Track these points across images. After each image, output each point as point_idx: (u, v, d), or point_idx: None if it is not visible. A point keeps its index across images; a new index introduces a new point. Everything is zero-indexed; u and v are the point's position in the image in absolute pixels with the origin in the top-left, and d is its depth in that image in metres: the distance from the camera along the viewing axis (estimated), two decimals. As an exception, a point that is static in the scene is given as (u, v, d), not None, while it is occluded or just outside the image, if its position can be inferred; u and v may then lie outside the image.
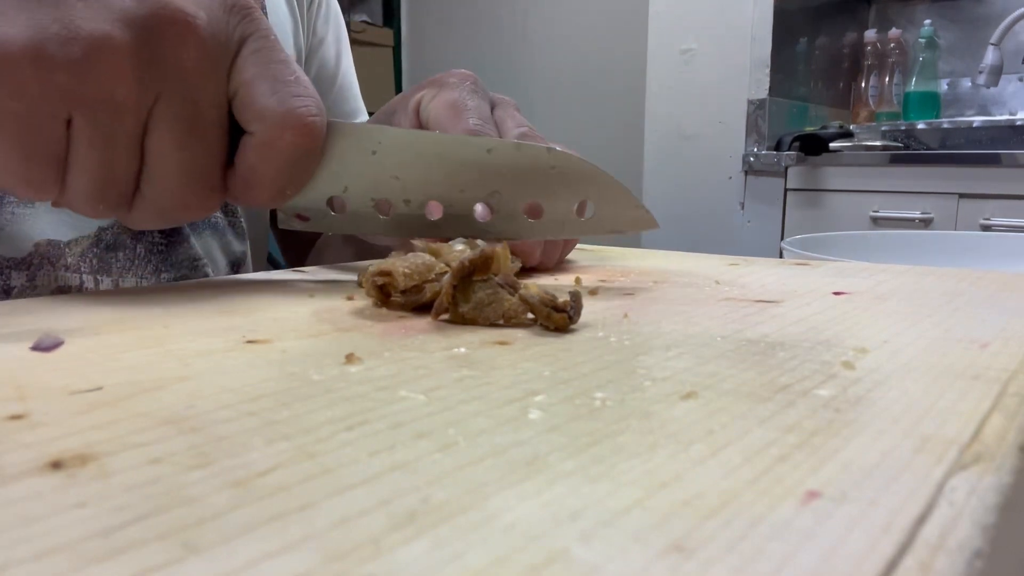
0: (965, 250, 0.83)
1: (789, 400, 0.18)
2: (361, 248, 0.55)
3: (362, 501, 0.13)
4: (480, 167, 0.35)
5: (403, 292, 0.29)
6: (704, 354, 0.23)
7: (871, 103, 2.21)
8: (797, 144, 1.80)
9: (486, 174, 0.35)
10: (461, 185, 0.35)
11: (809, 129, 1.90)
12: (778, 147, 1.86)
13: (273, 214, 0.62)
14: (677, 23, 2.03)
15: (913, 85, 2.11)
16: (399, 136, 0.35)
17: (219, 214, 0.52)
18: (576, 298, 0.26)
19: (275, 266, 0.72)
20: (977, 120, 1.93)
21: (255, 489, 0.13)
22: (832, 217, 1.77)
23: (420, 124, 0.43)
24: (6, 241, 0.42)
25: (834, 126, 1.89)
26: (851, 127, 1.90)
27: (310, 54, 0.63)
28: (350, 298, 0.32)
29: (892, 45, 2.17)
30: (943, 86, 2.14)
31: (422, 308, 0.29)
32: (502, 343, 0.24)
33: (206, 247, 0.50)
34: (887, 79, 2.19)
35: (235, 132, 0.32)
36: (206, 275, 0.49)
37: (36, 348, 0.23)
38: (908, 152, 1.83)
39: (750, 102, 1.95)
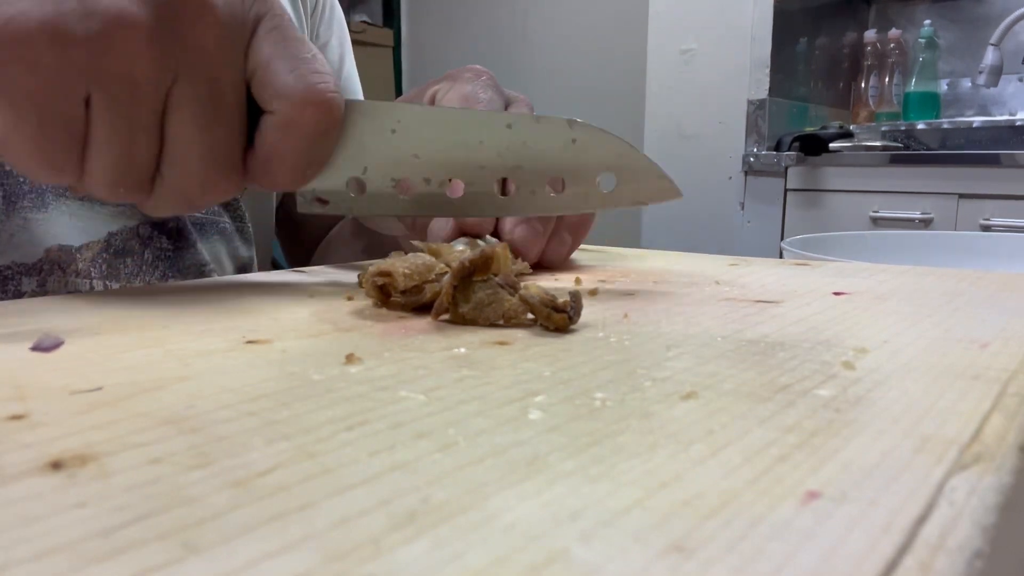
0: (965, 250, 0.83)
1: (789, 400, 0.18)
2: (371, 243, 0.55)
3: (362, 501, 0.13)
4: (500, 142, 0.34)
5: (403, 292, 0.28)
6: (704, 354, 0.23)
7: (871, 103, 2.21)
8: (797, 144, 1.80)
9: (507, 149, 0.35)
10: (482, 161, 0.35)
11: (809, 129, 1.90)
12: (778, 147, 1.86)
13: (279, 218, 0.62)
14: (677, 23, 2.03)
15: (913, 85, 2.11)
16: (418, 113, 0.35)
17: (227, 219, 0.52)
18: (576, 298, 0.26)
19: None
20: (977, 120, 1.93)
21: (255, 489, 0.13)
22: (832, 217, 1.77)
23: None
24: (18, 247, 0.42)
25: (834, 126, 1.89)
26: (851, 127, 1.90)
27: None
28: (350, 298, 0.32)
29: (892, 45, 2.17)
30: (943, 86, 2.14)
31: (422, 308, 0.29)
32: (502, 343, 0.24)
33: (213, 252, 0.50)
34: (887, 79, 2.19)
35: (253, 112, 0.32)
36: None
37: (36, 348, 0.23)
38: (908, 152, 1.83)
39: (750, 102, 1.95)
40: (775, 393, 0.19)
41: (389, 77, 2.87)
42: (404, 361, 0.22)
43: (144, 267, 0.46)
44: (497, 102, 0.41)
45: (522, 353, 0.23)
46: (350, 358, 0.22)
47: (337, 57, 0.65)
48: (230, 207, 0.52)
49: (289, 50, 0.31)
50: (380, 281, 0.28)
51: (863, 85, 2.22)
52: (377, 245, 0.54)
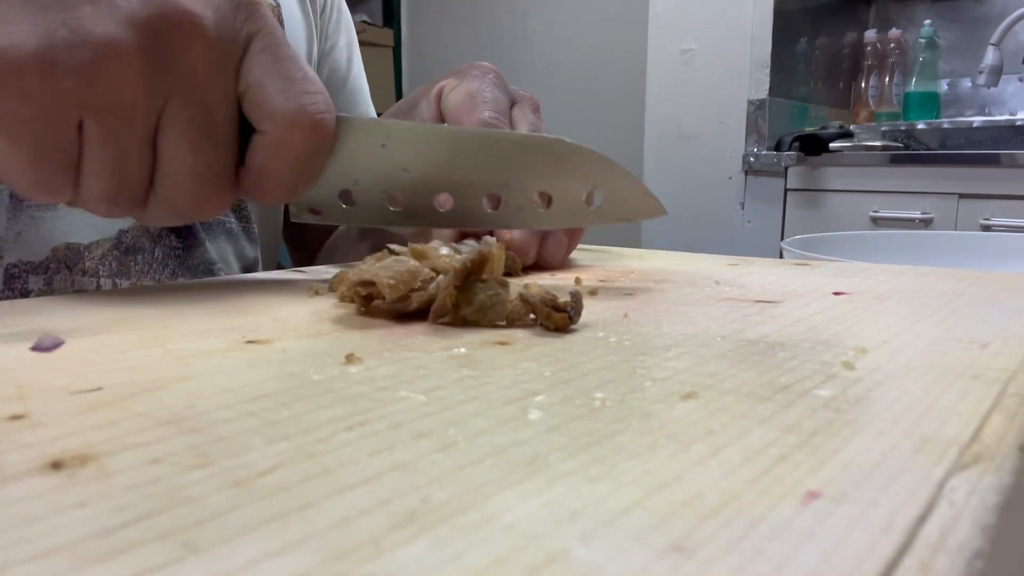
0: (965, 250, 0.83)
1: (789, 400, 0.18)
2: (377, 243, 0.55)
3: (362, 501, 0.13)
4: (489, 159, 0.35)
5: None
6: (704, 354, 0.23)
7: (871, 103, 2.21)
8: (797, 144, 1.80)
9: (495, 165, 0.35)
10: (470, 176, 0.35)
11: (809, 129, 1.90)
12: (778, 147, 1.86)
13: (286, 218, 0.63)
14: (677, 23, 2.03)
15: (913, 85, 2.11)
16: (408, 129, 0.35)
17: (233, 220, 0.52)
18: (576, 298, 0.26)
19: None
20: (977, 120, 1.93)
21: (255, 489, 0.13)
22: (832, 217, 1.77)
23: (440, 112, 0.43)
24: (24, 245, 0.43)
25: (834, 126, 1.89)
26: (851, 127, 1.90)
27: (322, 58, 0.64)
28: (316, 292, 0.32)
29: (892, 45, 2.17)
30: (943, 86, 2.14)
31: (407, 316, 0.28)
32: (502, 343, 0.24)
33: (220, 252, 0.50)
34: (887, 79, 2.18)
35: (244, 129, 0.32)
36: None
37: (36, 348, 0.23)
38: (908, 152, 1.83)
39: (750, 102, 1.95)
40: (775, 393, 0.19)
41: (389, 77, 2.87)
42: (404, 361, 0.22)
43: (154, 265, 0.46)
44: (503, 100, 0.41)
45: (522, 353, 0.23)
46: (350, 358, 0.22)
47: (345, 58, 0.66)
48: (236, 208, 0.52)
49: (280, 70, 0.31)
50: (364, 291, 0.28)
51: (863, 85, 2.22)
52: (383, 247, 0.54)
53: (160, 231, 0.47)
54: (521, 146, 0.35)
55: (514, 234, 0.39)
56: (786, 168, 1.84)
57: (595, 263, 0.43)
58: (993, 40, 1.77)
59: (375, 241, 0.56)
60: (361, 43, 0.70)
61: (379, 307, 0.28)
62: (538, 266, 0.41)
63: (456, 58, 2.71)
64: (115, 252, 0.45)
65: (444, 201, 0.36)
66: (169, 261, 0.47)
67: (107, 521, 0.12)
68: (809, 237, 0.84)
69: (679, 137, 2.06)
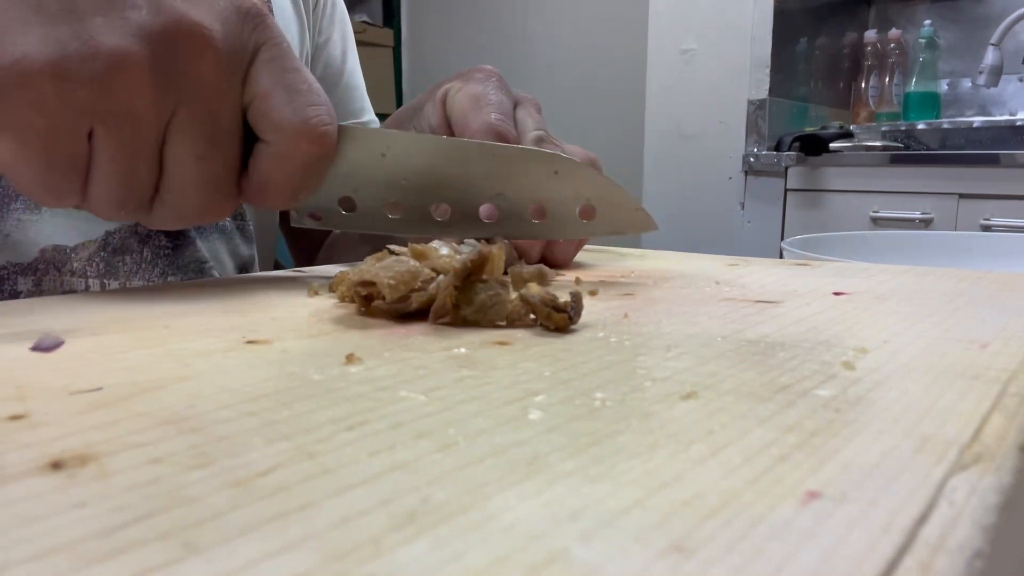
0: (965, 250, 0.83)
1: (789, 400, 0.18)
2: (377, 243, 0.55)
3: (362, 501, 0.13)
4: (485, 170, 0.36)
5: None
6: (704, 354, 0.23)
7: (871, 103, 2.21)
8: (797, 144, 1.80)
9: (491, 177, 0.36)
10: (467, 187, 0.36)
11: (809, 129, 1.90)
12: (778, 147, 1.86)
13: (284, 217, 0.63)
14: (677, 23, 2.03)
15: (913, 85, 2.10)
16: (407, 140, 0.36)
17: (227, 218, 0.52)
18: (576, 298, 0.26)
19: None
20: (977, 120, 1.93)
21: (255, 489, 0.13)
22: (832, 217, 1.77)
23: (446, 114, 0.44)
24: (12, 247, 0.43)
25: (834, 126, 1.89)
26: (851, 127, 1.90)
27: (316, 53, 0.64)
28: (315, 293, 0.32)
29: (892, 45, 2.17)
30: (943, 86, 2.14)
31: (406, 316, 0.28)
32: (502, 343, 0.24)
33: (213, 250, 0.50)
34: (887, 79, 2.18)
35: (248, 137, 0.33)
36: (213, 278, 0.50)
37: (36, 348, 0.23)
38: (908, 152, 1.83)
39: (750, 102, 1.95)
40: (775, 393, 0.19)
41: (389, 77, 2.87)
42: (404, 361, 0.22)
43: (143, 265, 0.46)
44: (507, 103, 0.42)
45: (522, 353, 0.23)
46: (350, 358, 0.22)
47: (340, 52, 0.66)
48: None
49: (286, 81, 0.32)
50: (364, 291, 0.28)
51: (863, 85, 2.22)
52: (383, 247, 0.54)
53: (148, 231, 0.47)
54: (517, 157, 0.36)
55: None
56: (786, 168, 1.84)
57: (595, 263, 0.43)
58: (993, 40, 1.77)
59: (375, 241, 0.56)
60: (361, 43, 0.70)
61: (379, 307, 0.28)
62: (547, 265, 0.41)
63: (456, 58, 2.71)
64: (102, 253, 0.45)
65: (442, 210, 0.37)
66: (158, 261, 0.47)
67: (107, 521, 0.12)
68: (809, 237, 0.84)
69: (679, 137, 2.06)
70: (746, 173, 1.95)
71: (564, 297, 0.26)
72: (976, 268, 0.40)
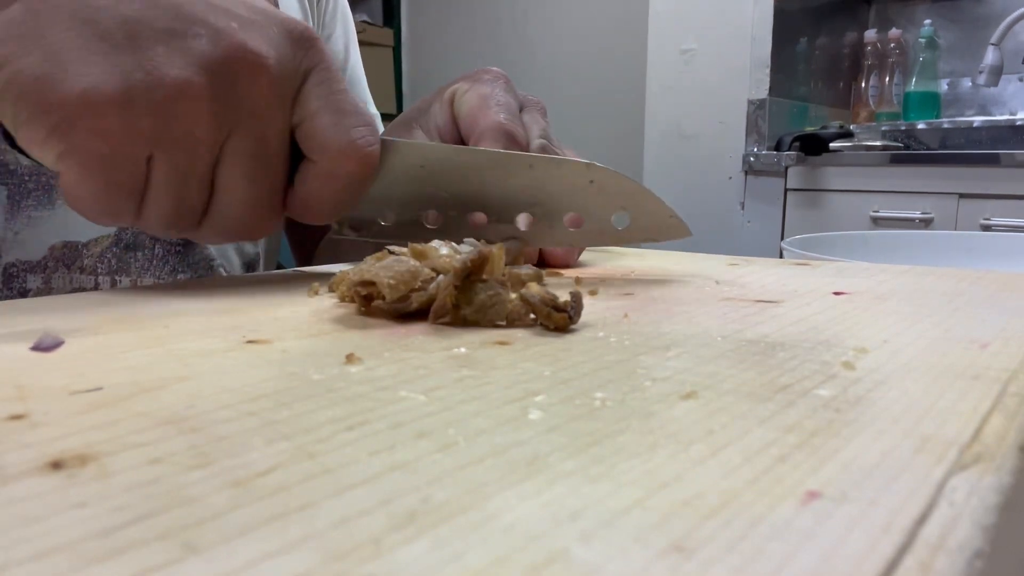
0: (965, 250, 0.83)
1: (789, 400, 0.18)
2: (378, 246, 0.55)
3: (362, 501, 0.13)
4: (523, 181, 0.37)
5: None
6: (704, 354, 0.23)
7: (871, 103, 2.21)
8: (797, 144, 1.80)
9: (528, 188, 0.37)
10: (504, 198, 0.37)
11: (809, 129, 1.90)
12: (778, 147, 1.86)
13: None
14: (677, 23, 2.03)
15: (913, 85, 2.10)
16: (445, 152, 0.37)
17: None
18: (576, 298, 0.26)
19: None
20: (977, 120, 1.93)
21: (255, 489, 0.13)
22: (832, 217, 1.77)
23: (453, 115, 0.44)
24: (22, 245, 0.43)
25: (834, 126, 1.89)
26: (851, 127, 1.90)
27: None
28: (315, 293, 0.32)
29: (892, 45, 2.17)
30: (943, 86, 2.14)
31: (407, 316, 0.28)
32: (502, 343, 0.24)
33: (220, 249, 0.51)
34: (887, 79, 2.18)
35: (294, 154, 0.34)
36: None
37: (36, 348, 0.23)
38: (908, 152, 1.83)
39: (750, 102, 1.95)
40: (775, 393, 0.19)
41: (389, 77, 2.87)
42: (404, 361, 0.22)
43: (154, 261, 0.47)
44: (514, 104, 0.43)
45: (522, 353, 0.23)
46: (350, 358, 0.22)
47: (342, 47, 0.67)
48: None
49: (334, 103, 0.33)
50: (364, 291, 0.28)
51: (863, 85, 2.22)
52: (383, 247, 0.54)
53: None
54: (553, 168, 0.37)
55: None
56: (786, 168, 1.84)
57: (595, 263, 0.43)
58: (993, 40, 1.77)
59: (376, 246, 0.56)
60: (361, 43, 0.70)
61: (379, 307, 0.28)
62: (549, 264, 0.41)
63: (456, 58, 2.71)
64: (114, 249, 0.45)
65: (478, 219, 0.38)
66: (169, 258, 0.48)
67: (107, 521, 0.12)
68: (809, 237, 0.84)
69: (679, 137, 2.06)
70: (746, 173, 1.95)
71: (564, 297, 0.26)
72: (976, 268, 0.40)
